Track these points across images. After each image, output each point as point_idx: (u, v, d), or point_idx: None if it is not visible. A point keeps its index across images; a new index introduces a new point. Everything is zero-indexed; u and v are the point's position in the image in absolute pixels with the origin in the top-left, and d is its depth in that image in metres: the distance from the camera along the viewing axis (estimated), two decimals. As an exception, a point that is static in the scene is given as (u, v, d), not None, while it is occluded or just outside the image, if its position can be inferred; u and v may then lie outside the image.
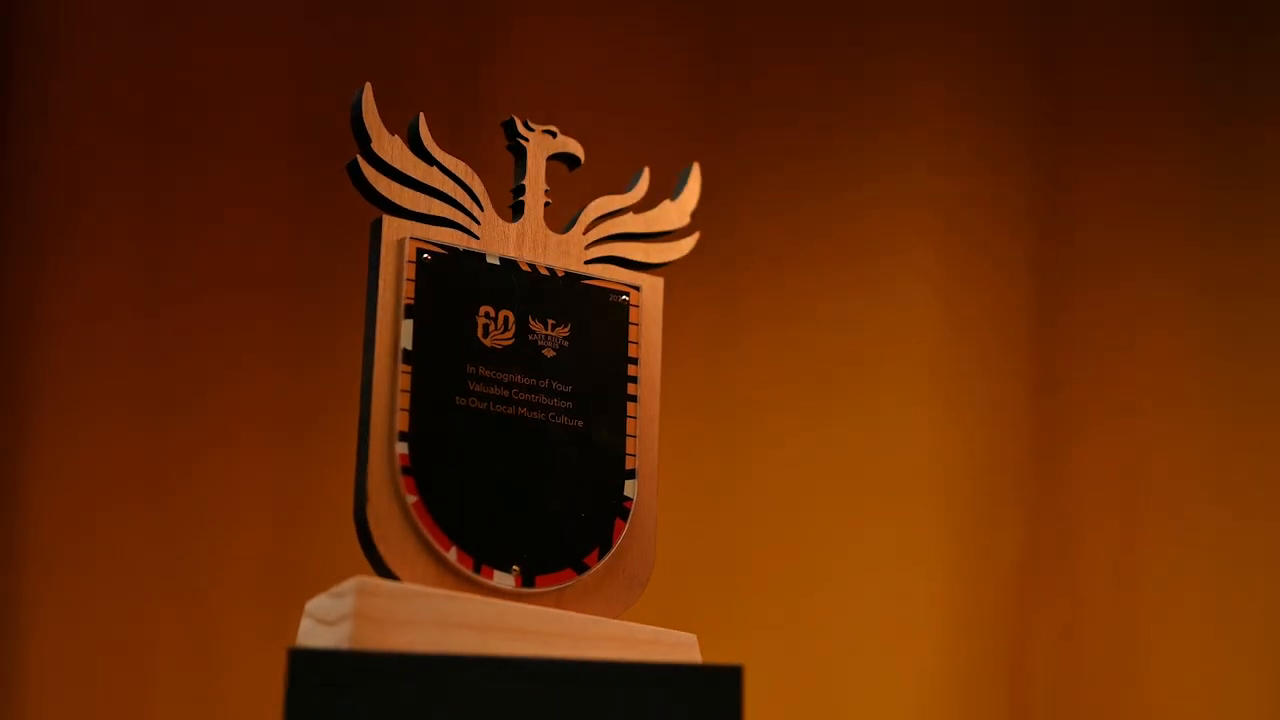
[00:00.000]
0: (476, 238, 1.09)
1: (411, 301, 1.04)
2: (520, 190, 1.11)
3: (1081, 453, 1.97)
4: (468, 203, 1.09)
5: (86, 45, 1.86)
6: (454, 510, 1.03)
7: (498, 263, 1.08)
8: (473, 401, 1.06)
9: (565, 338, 1.09)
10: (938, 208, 1.99)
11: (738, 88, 2.00)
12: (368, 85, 1.07)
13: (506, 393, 1.07)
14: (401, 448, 1.02)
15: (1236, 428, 1.98)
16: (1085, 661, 1.94)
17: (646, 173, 1.16)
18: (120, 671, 1.80)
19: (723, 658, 1.05)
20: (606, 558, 1.08)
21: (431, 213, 1.07)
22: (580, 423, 1.09)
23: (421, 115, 1.09)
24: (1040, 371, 1.99)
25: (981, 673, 1.92)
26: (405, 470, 1.02)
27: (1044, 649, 1.94)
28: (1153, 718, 1.93)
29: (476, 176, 1.09)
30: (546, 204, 1.12)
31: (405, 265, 1.05)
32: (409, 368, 1.04)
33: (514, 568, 1.05)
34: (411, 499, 1.02)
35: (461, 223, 1.08)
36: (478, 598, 1.02)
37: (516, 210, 1.11)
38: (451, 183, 1.08)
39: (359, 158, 1.06)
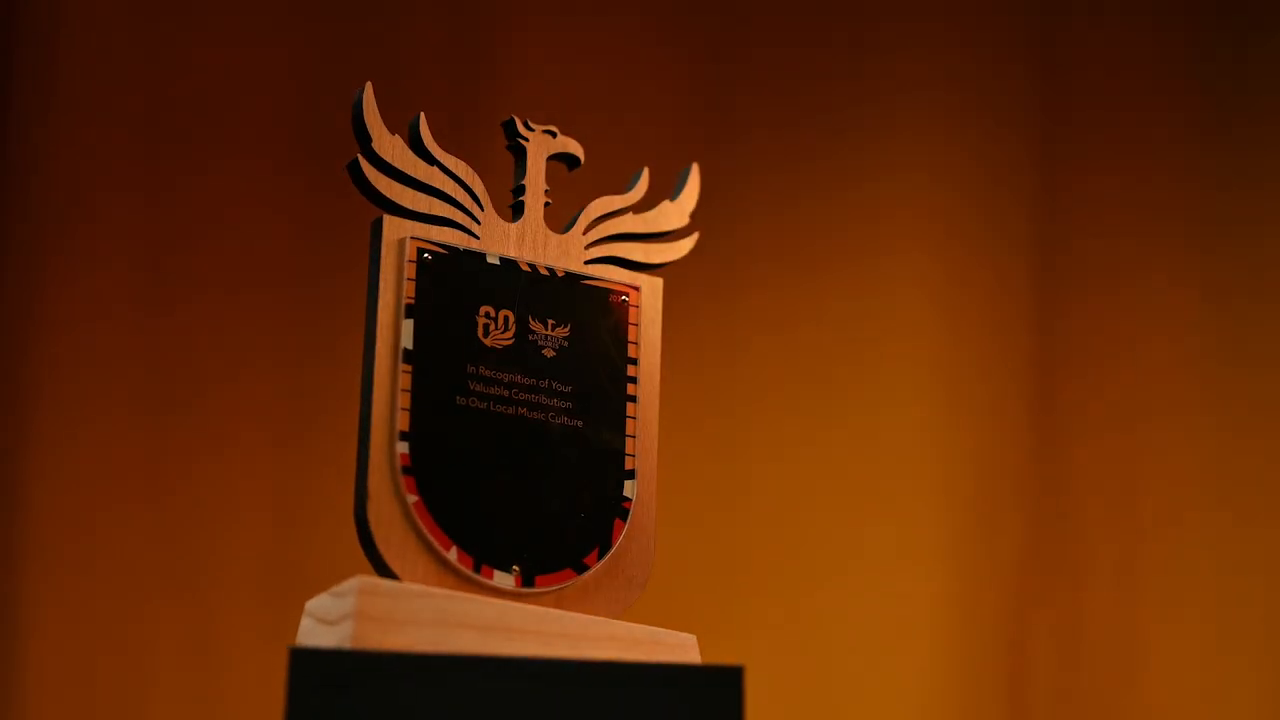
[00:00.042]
0: (477, 237, 1.09)
1: (412, 301, 1.04)
2: (520, 190, 1.11)
3: (1081, 454, 1.97)
4: (468, 202, 1.09)
5: (86, 45, 1.86)
6: (454, 510, 1.03)
7: (498, 263, 1.08)
8: (473, 401, 1.06)
9: (565, 338, 1.09)
10: (937, 210, 1.99)
11: (737, 89, 2.00)
12: (368, 85, 1.07)
13: (507, 393, 1.07)
14: (402, 447, 1.03)
15: (1236, 431, 1.98)
16: (1085, 661, 1.94)
17: (646, 173, 1.16)
18: (120, 671, 1.80)
19: (723, 658, 1.05)
20: (606, 558, 1.08)
21: (432, 212, 1.07)
22: (580, 423, 1.09)
23: (422, 115, 1.09)
24: (1040, 373, 1.99)
25: (981, 673, 1.92)
26: (406, 470, 1.02)
27: (1044, 649, 1.94)
28: (1153, 718, 1.93)
29: (477, 176, 1.09)
30: (546, 204, 1.12)
31: (406, 265, 1.05)
32: (409, 367, 1.04)
33: (514, 568, 1.05)
34: (412, 499, 1.02)
35: (462, 222, 1.08)
36: (478, 597, 1.02)
37: (516, 210, 1.11)
38: (452, 182, 1.08)
39: (360, 157, 1.06)
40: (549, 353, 1.09)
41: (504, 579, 1.04)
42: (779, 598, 1.92)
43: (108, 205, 1.86)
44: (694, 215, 1.17)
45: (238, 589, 1.82)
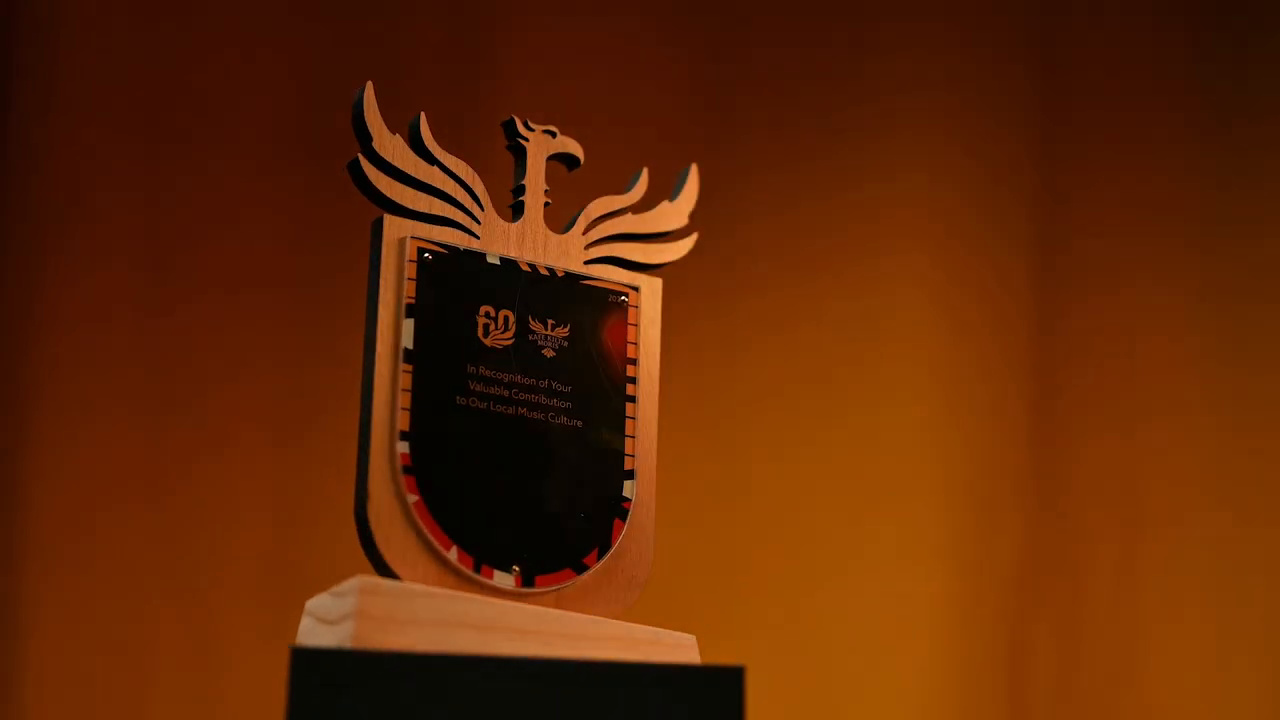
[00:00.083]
0: (477, 237, 1.09)
1: (413, 301, 1.04)
2: (520, 190, 1.11)
3: (1081, 454, 1.97)
4: (468, 202, 1.09)
5: (87, 45, 1.86)
6: (455, 510, 1.03)
7: (498, 262, 1.08)
8: (473, 401, 1.06)
9: (565, 338, 1.09)
10: (937, 210, 1.99)
11: (737, 89, 2.00)
12: (369, 84, 1.07)
13: (507, 393, 1.07)
14: (403, 447, 1.03)
15: (1236, 431, 1.98)
16: (1085, 661, 1.94)
17: (645, 173, 1.16)
18: (120, 671, 1.80)
19: (723, 658, 1.05)
20: (605, 558, 1.08)
21: (433, 212, 1.07)
22: (579, 423, 1.09)
23: (422, 114, 1.09)
24: (1040, 373, 1.99)
25: (981, 672, 1.92)
26: (406, 470, 1.02)
27: (1044, 649, 1.94)
28: (1153, 718, 1.93)
29: (477, 176, 1.09)
30: (546, 204, 1.12)
31: (406, 264, 1.05)
32: (410, 367, 1.04)
33: (514, 568, 1.05)
34: (412, 498, 1.02)
35: (462, 222, 1.08)
36: (479, 597, 1.02)
37: (516, 210, 1.11)
38: (452, 182, 1.08)
39: (360, 156, 1.06)
40: (549, 353, 1.09)
41: (504, 579, 1.04)
42: (779, 598, 1.92)
43: (108, 205, 1.86)
44: (693, 215, 1.17)
45: (238, 589, 1.82)
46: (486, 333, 1.07)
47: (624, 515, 1.09)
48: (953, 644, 1.92)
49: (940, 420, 1.96)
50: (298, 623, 1.03)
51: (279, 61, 1.90)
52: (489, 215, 1.09)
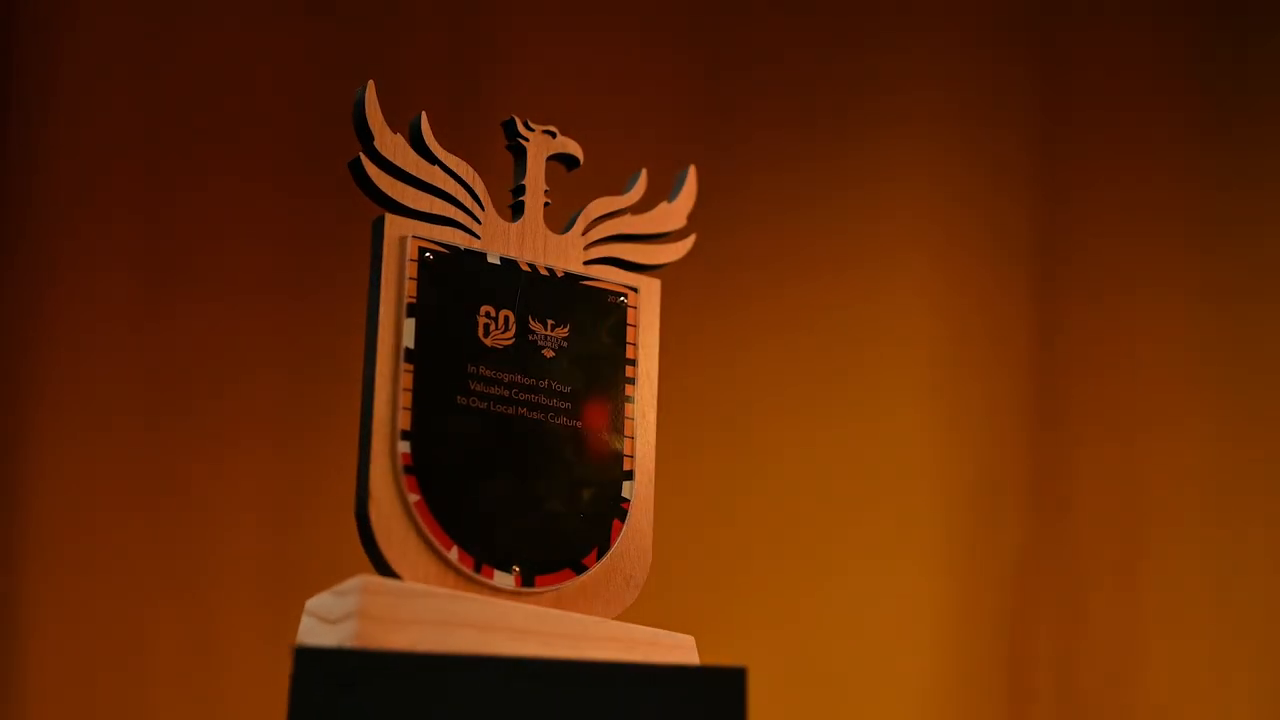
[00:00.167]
0: (478, 237, 1.09)
1: (414, 300, 1.04)
2: (520, 190, 1.11)
3: (1081, 455, 1.97)
4: (469, 202, 1.09)
5: (87, 46, 1.86)
6: (455, 510, 1.04)
7: (498, 262, 1.08)
8: (474, 401, 1.06)
9: (564, 338, 1.10)
10: (936, 213, 1.99)
11: (736, 91, 2.00)
12: (370, 83, 1.07)
13: (507, 393, 1.07)
14: (404, 446, 1.02)
15: (1236, 431, 1.98)
16: (1085, 662, 1.94)
17: (644, 174, 1.16)
18: (120, 671, 1.80)
19: (721, 658, 1.05)
20: (605, 558, 1.08)
21: (433, 211, 1.07)
22: (579, 423, 1.09)
23: (423, 114, 1.09)
24: (1039, 376, 1.99)
25: (981, 672, 1.92)
26: (408, 469, 1.02)
27: (1044, 649, 1.94)
28: (1153, 718, 1.93)
29: (478, 176, 1.09)
30: (546, 204, 1.12)
31: (408, 264, 1.05)
32: (411, 366, 1.04)
33: (514, 568, 1.05)
34: (414, 498, 1.02)
35: (463, 222, 1.08)
36: (480, 597, 1.02)
37: (516, 210, 1.11)
38: (453, 182, 1.08)
39: (361, 155, 1.06)
40: (549, 353, 1.09)
41: (504, 579, 1.04)
42: (778, 598, 1.92)
43: (109, 206, 1.86)
44: (693, 217, 1.17)
45: (238, 589, 1.82)
46: (487, 332, 1.07)
47: (623, 516, 1.09)
48: (953, 644, 1.92)
49: (940, 422, 1.96)
50: (298, 622, 1.03)
51: (280, 62, 1.90)
52: (489, 215, 1.09)
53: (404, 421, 1.03)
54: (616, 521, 1.09)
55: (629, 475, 1.10)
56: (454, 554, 1.03)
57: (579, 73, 1.96)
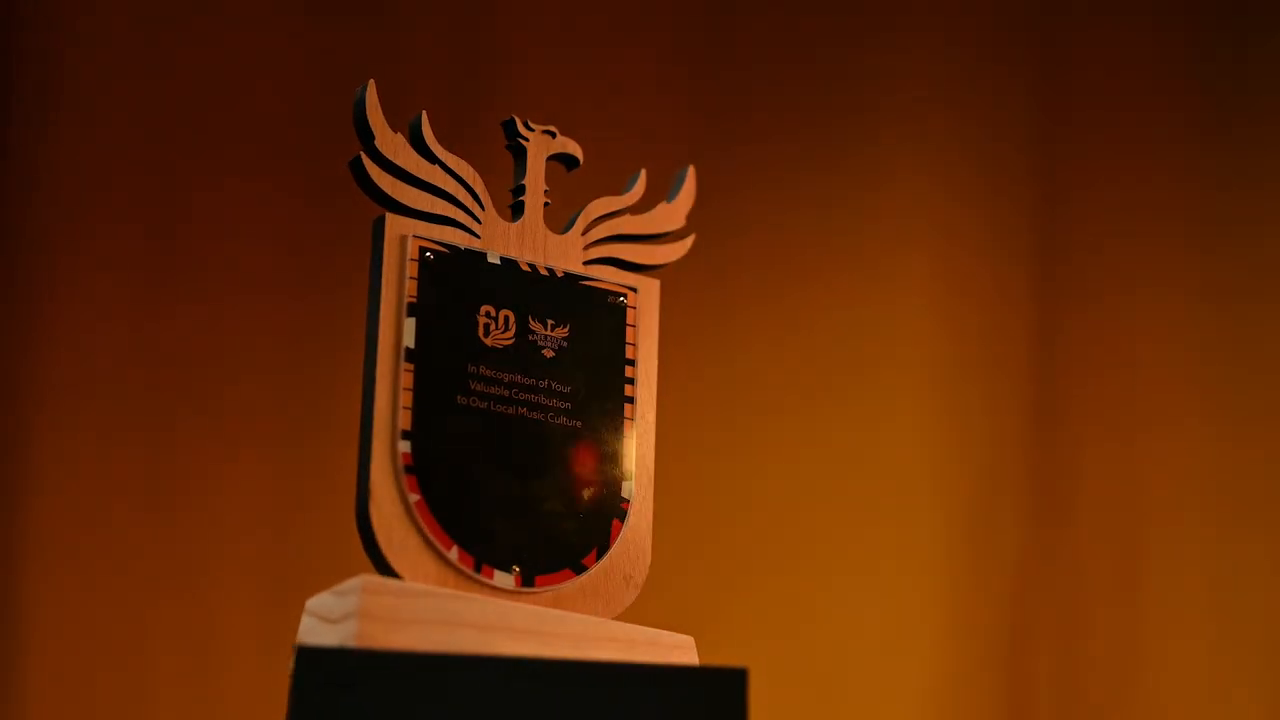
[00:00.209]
0: (478, 237, 1.09)
1: (414, 300, 1.04)
2: (520, 190, 1.11)
3: (1082, 455, 1.97)
4: (469, 201, 1.09)
5: (89, 46, 1.86)
6: (455, 510, 1.03)
7: (498, 262, 1.08)
8: (474, 401, 1.06)
9: (564, 338, 1.10)
10: (936, 214, 1.99)
11: (736, 93, 2.00)
12: (371, 82, 1.06)
13: (507, 392, 1.07)
14: (404, 446, 1.02)
15: (1236, 431, 1.98)
16: (1085, 661, 1.94)
17: (644, 174, 1.16)
18: (120, 671, 1.80)
19: (721, 658, 1.05)
20: (604, 558, 1.08)
21: (434, 211, 1.07)
22: (579, 423, 1.09)
23: (424, 113, 1.09)
24: (1039, 377, 1.99)
25: (981, 673, 1.92)
26: (408, 469, 1.02)
27: (1044, 649, 1.94)
28: (1153, 718, 1.93)
29: (478, 176, 1.09)
30: (546, 204, 1.12)
31: (408, 263, 1.05)
32: (411, 366, 1.04)
33: (514, 568, 1.05)
34: (414, 498, 1.02)
35: (463, 221, 1.08)
36: (481, 597, 1.02)
37: (516, 210, 1.11)
38: (454, 181, 1.08)
39: (362, 154, 1.06)
40: (548, 353, 1.09)
41: (504, 579, 1.04)
42: (778, 598, 1.92)
43: (110, 206, 1.86)
44: (693, 219, 1.17)
45: (238, 589, 1.82)
46: (487, 332, 1.07)
47: (622, 516, 1.09)
48: (952, 644, 1.92)
49: (941, 422, 1.96)
50: (298, 622, 1.03)
51: (281, 62, 1.90)
52: (490, 215, 1.09)
53: (404, 421, 1.03)
54: (616, 521, 1.09)
55: (628, 475, 1.10)
56: (454, 554, 1.03)
57: (579, 73, 1.96)
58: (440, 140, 1.09)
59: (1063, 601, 1.95)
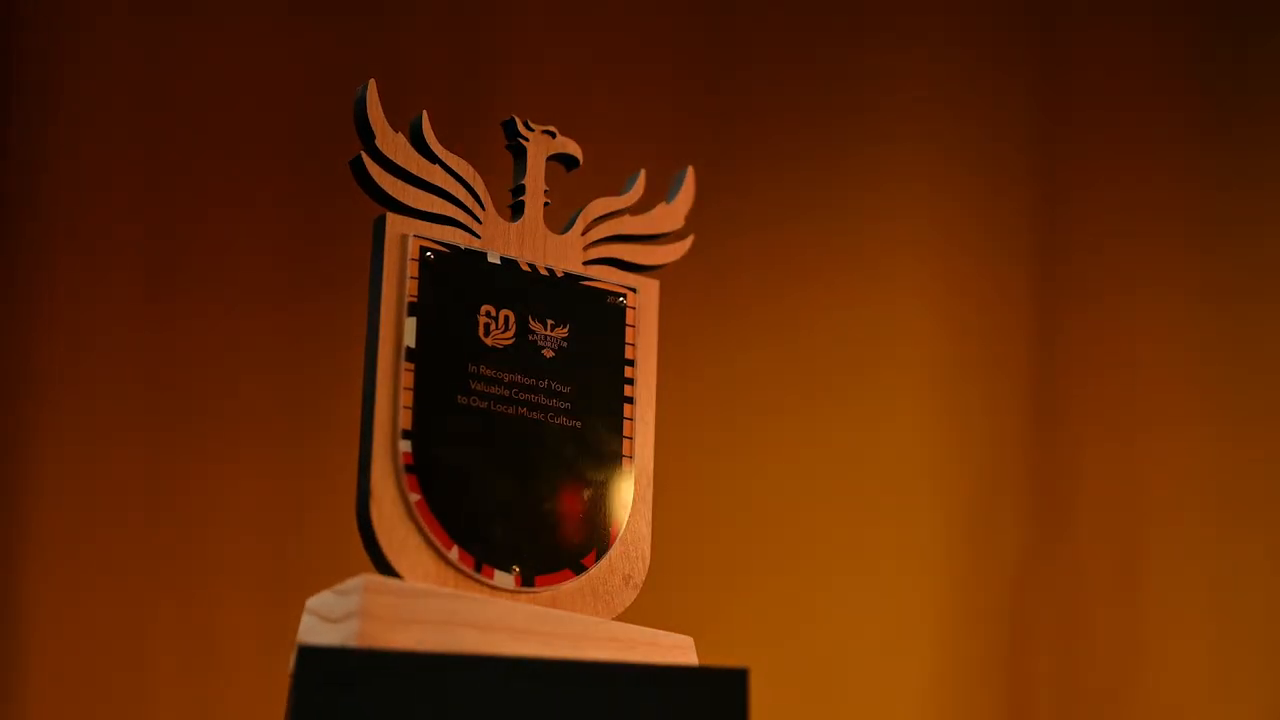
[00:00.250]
0: (478, 236, 1.09)
1: (415, 299, 1.04)
2: (520, 190, 1.11)
3: (1082, 455, 1.97)
4: (469, 201, 1.09)
5: (89, 47, 1.86)
6: (456, 509, 1.04)
7: (499, 262, 1.08)
8: (474, 401, 1.06)
9: (564, 338, 1.10)
10: (936, 214, 1.99)
11: (736, 93, 1.99)
12: (372, 81, 1.06)
13: (507, 392, 1.07)
14: (405, 446, 1.02)
15: (1236, 431, 1.98)
16: (1085, 661, 1.94)
17: (643, 174, 1.16)
18: (120, 672, 1.80)
19: (722, 658, 1.05)
20: (604, 559, 1.08)
21: (434, 211, 1.07)
22: (579, 423, 1.09)
23: (424, 113, 1.09)
24: (1039, 378, 1.99)
25: (981, 672, 1.92)
26: (409, 469, 1.02)
27: (1044, 649, 1.94)
28: (1153, 718, 1.93)
29: (478, 175, 1.10)
30: (546, 204, 1.12)
31: (408, 263, 1.05)
32: (412, 366, 1.04)
33: (514, 568, 1.05)
34: (415, 497, 1.02)
35: (464, 221, 1.08)
36: (481, 597, 1.02)
37: (516, 210, 1.11)
38: (454, 181, 1.08)
39: (363, 154, 1.06)
40: (548, 353, 1.09)
41: (504, 579, 1.04)
42: (778, 598, 1.92)
43: (110, 207, 1.86)
44: (692, 218, 1.17)
45: (238, 589, 1.82)
46: (487, 332, 1.07)
47: (622, 516, 1.09)
48: (952, 644, 1.92)
49: (941, 423, 1.96)
50: (298, 622, 1.03)
51: (281, 62, 1.90)
52: (490, 215, 1.09)
53: (405, 421, 1.03)
54: (615, 522, 1.09)
55: (628, 476, 1.10)
56: (454, 553, 1.03)
57: (579, 73, 1.96)
58: (440, 140, 1.09)
59: (1063, 601, 1.95)
